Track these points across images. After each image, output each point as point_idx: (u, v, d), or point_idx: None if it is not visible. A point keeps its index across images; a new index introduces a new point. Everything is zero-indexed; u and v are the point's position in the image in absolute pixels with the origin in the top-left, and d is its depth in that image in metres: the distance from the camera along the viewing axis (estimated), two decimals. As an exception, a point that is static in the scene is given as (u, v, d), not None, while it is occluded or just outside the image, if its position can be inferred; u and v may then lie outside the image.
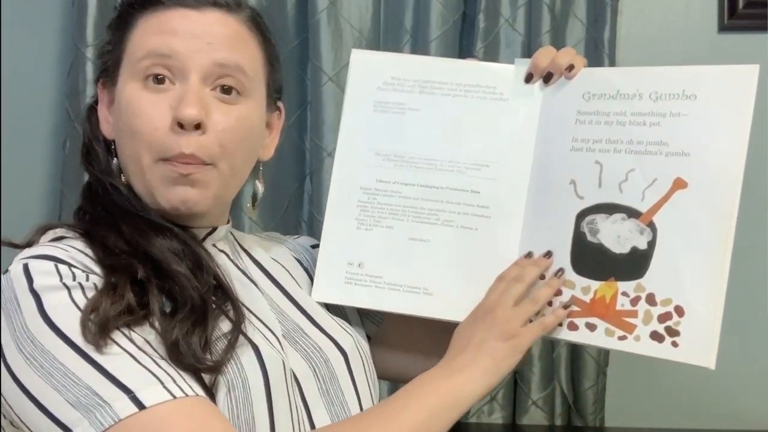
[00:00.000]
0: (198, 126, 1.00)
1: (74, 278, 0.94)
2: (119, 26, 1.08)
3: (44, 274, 0.94)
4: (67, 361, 0.90)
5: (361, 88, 1.18)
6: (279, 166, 1.79)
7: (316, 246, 1.25)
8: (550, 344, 1.78)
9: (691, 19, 1.85)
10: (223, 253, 1.10)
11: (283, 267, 1.17)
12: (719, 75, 1.07)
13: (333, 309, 1.16)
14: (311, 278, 1.18)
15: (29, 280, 0.94)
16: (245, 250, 1.15)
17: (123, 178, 1.06)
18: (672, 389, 1.81)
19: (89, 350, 0.90)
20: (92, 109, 1.11)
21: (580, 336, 1.07)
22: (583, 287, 1.07)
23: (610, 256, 1.06)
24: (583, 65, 1.12)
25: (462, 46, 1.81)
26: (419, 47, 1.78)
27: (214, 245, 1.09)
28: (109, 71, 1.08)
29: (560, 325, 1.07)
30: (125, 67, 1.05)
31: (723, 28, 1.84)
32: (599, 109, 1.10)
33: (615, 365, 1.80)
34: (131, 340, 0.92)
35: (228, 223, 1.14)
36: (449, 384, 1.02)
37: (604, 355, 1.78)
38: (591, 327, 1.06)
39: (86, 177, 1.11)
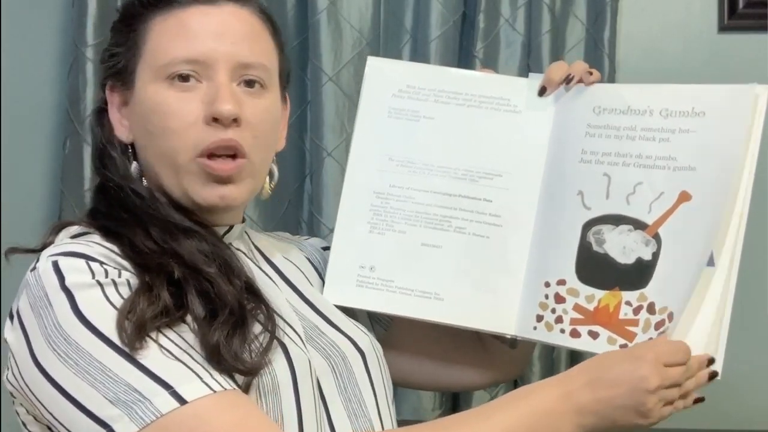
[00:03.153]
0: (235, 120, 1.02)
1: (107, 275, 0.94)
2: (130, 26, 1.07)
3: (76, 271, 0.94)
4: (104, 358, 0.90)
5: (376, 95, 1.19)
6: (279, 166, 1.78)
7: (327, 248, 1.25)
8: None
9: (691, 19, 1.85)
10: (241, 252, 1.10)
11: (297, 267, 1.18)
12: (728, 93, 1.07)
13: (345, 311, 1.16)
14: (323, 279, 1.19)
15: (60, 277, 0.94)
16: (259, 249, 1.15)
17: (144, 182, 1.06)
18: (672, 389, 1.80)
19: (126, 347, 0.90)
20: (100, 112, 1.10)
21: (583, 344, 1.07)
22: (587, 296, 1.07)
23: (616, 266, 1.07)
24: (597, 78, 1.13)
25: (462, 46, 1.81)
26: (419, 47, 1.78)
27: (231, 244, 1.09)
28: (121, 74, 1.07)
29: (563, 332, 1.07)
30: (144, 69, 1.04)
31: (723, 28, 1.84)
32: (609, 123, 1.10)
33: (615, 365, 1.80)
34: (167, 337, 0.92)
35: (243, 221, 1.13)
36: (564, 415, 0.97)
37: (604, 355, 1.78)
38: (593, 335, 1.06)
39: (87, 177, 1.11)
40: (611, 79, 1.76)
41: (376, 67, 1.20)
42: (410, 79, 1.18)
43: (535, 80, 1.16)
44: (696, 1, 1.85)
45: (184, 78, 1.02)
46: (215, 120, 1.01)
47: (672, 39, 1.85)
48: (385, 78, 1.19)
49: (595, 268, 1.08)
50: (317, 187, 1.80)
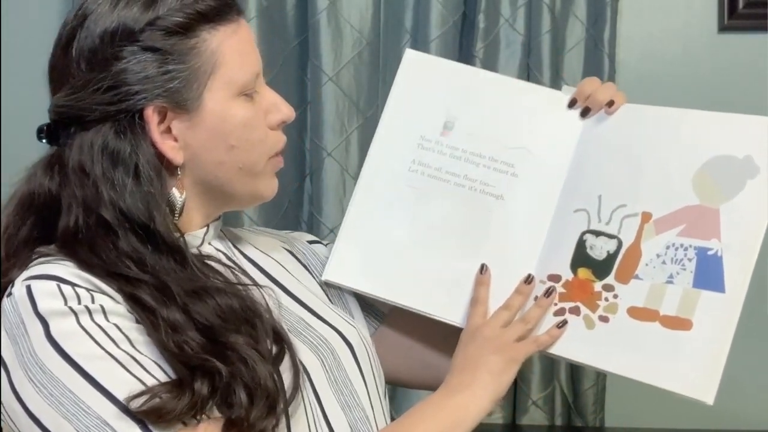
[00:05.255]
0: None
1: (79, 301, 0.92)
2: (188, 44, 1.01)
3: (47, 295, 0.92)
4: (77, 389, 0.89)
5: (410, 87, 1.20)
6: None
7: (313, 242, 1.25)
8: (550, 344, 1.78)
9: (691, 19, 1.85)
10: (222, 253, 1.10)
11: (277, 262, 1.17)
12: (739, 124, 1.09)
13: (335, 303, 1.17)
14: (309, 272, 1.19)
15: (33, 302, 0.92)
16: (238, 248, 1.15)
17: (176, 216, 1.02)
18: (672, 389, 1.81)
19: (101, 379, 0.89)
20: (122, 136, 1.00)
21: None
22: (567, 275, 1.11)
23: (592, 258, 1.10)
24: (623, 101, 1.14)
25: (462, 46, 1.81)
26: (419, 47, 1.77)
27: (210, 243, 1.09)
28: (179, 92, 1.00)
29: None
30: (221, 86, 1.02)
31: (723, 28, 1.84)
32: (620, 143, 1.12)
33: (615, 365, 1.80)
34: (150, 374, 0.90)
35: (218, 219, 1.12)
36: (452, 404, 1.03)
37: (604, 355, 1.78)
38: (575, 311, 1.08)
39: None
40: (611, 79, 1.76)
41: (412, 60, 1.21)
42: (443, 74, 1.20)
43: (568, 93, 1.17)
44: (696, 2, 1.85)
45: (252, 97, 1.05)
46: (279, 124, 1.08)
47: (672, 39, 1.85)
48: (421, 73, 1.20)
49: (580, 259, 1.11)
50: (317, 187, 1.81)
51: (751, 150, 1.06)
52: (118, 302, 0.94)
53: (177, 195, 1.02)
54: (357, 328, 1.13)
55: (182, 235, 1.02)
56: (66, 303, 0.92)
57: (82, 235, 0.98)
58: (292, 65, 1.83)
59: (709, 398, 1.03)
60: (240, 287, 1.00)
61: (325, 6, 1.79)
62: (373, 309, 1.22)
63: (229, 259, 1.09)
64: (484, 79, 1.23)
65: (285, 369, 0.97)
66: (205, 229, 1.08)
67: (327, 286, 1.18)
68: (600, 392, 1.80)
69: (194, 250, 1.06)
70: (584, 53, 1.80)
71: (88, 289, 0.93)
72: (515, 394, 1.83)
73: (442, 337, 1.19)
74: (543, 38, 1.76)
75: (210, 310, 0.95)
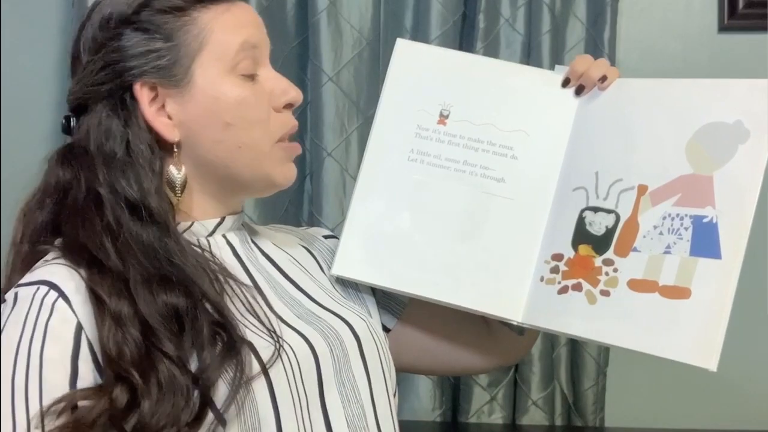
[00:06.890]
0: None
1: (38, 312, 0.94)
2: (179, 19, 1.04)
3: (22, 301, 0.95)
4: None
5: (403, 77, 1.20)
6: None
7: (329, 237, 1.26)
8: (550, 344, 1.79)
9: (691, 19, 1.85)
10: (229, 246, 1.10)
11: (291, 256, 1.18)
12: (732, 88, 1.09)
13: (351, 299, 1.17)
14: (321, 267, 1.19)
15: (12, 309, 0.95)
16: (255, 243, 1.15)
17: (172, 195, 1.04)
18: (672, 389, 1.81)
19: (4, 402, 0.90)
20: (114, 113, 1.03)
21: (567, 300, 1.09)
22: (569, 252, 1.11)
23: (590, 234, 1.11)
24: (616, 76, 1.16)
25: (462, 46, 1.81)
26: (419, 47, 1.78)
27: (223, 236, 1.10)
28: (168, 69, 1.03)
29: (553, 283, 1.10)
30: (210, 63, 1.04)
31: (723, 28, 1.84)
32: (611, 120, 1.13)
33: (615, 365, 1.80)
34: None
35: (241, 211, 1.14)
36: None
37: (604, 355, 1.78)
38: (577, 287, 1.09)
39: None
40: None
41: (404, 50, 1.22)
42: (438, 63, 1.21)
43: (561, 72, 1.18)
44: (696, 1, 1.85)
45: (252, 76, 1.07)
46: (286, 107, 1.09)
47: (672, 39, 1.85)
48: (414, 61, 1.21)
49: (580, 236, 1.12)
50: (317, 187, 1.80)
51: (740, 114, 1.07)
52: (77, 314, 0.94)
53: (174, 172, 1.04)
54: (368, 323, 1.13)
55: (173, 211, 1.03)
56: (27, 311, 0.94)
57: (78, 212, 1.01)
58: (292, 65, 1.83)
59: (711, 365, 1.01)
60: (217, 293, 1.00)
61: (325, 6, 1.79)
62: (391, 304, 1.22)
63: (235, 253, 1.10)
64: (476, 64, 1.23)
65: (225, 377, 0.95)
66: (219, 219, 1.09)
67: (341, 283, 1.18)
68: (600, 392, 1.80)
69: (203, 239, 1.07)
70: (584, 53, 1.80)
71: (59, 296, 0.95)
72: (515, 394, 1.83)
73: (460, 323, 1.20)
74: (543, 38, 1.76)
75: (155, 308, 0.95)
